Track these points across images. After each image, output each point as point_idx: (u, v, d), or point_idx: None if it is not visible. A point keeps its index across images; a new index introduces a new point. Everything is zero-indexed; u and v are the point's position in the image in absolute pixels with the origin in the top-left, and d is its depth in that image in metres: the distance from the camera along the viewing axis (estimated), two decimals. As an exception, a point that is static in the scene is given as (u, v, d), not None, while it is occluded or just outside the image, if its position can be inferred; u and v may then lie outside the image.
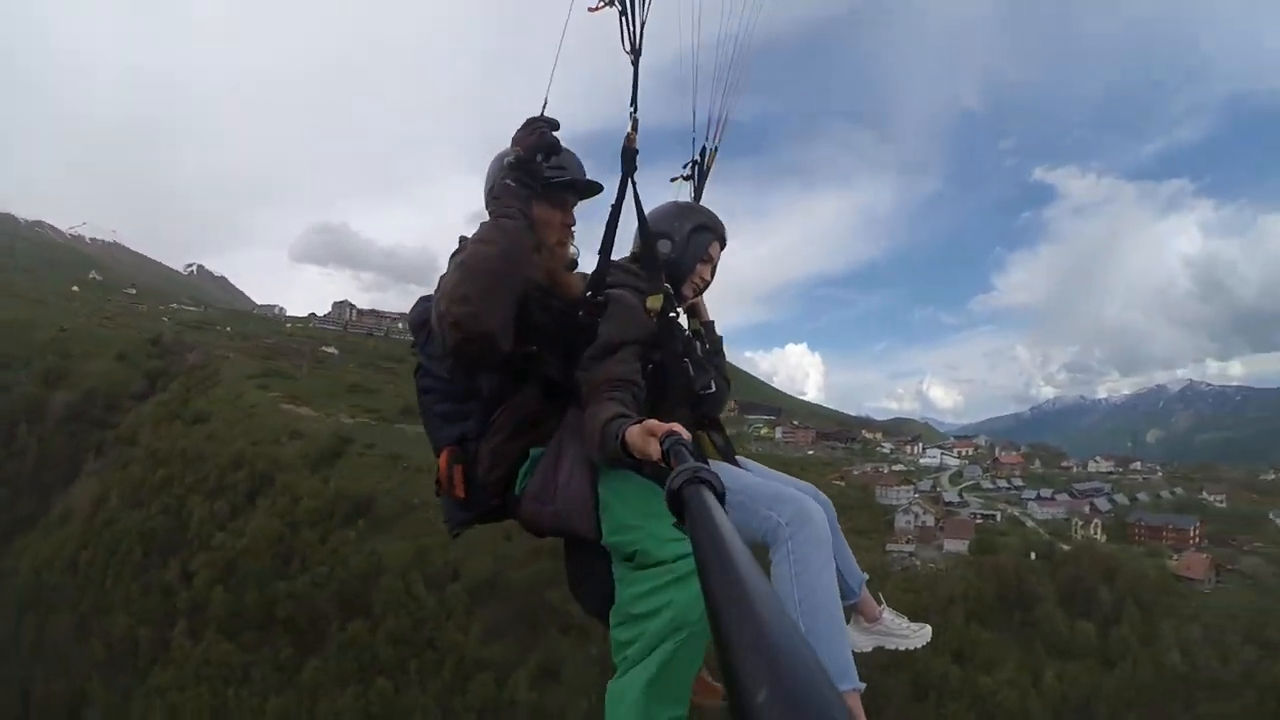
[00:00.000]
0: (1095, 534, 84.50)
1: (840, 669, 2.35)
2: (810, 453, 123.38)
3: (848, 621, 2.92)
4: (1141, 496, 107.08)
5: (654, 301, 2.87)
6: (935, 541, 78.10)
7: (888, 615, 3.23)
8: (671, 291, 3.04)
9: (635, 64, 3.09)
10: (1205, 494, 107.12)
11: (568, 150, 2.85)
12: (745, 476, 2.72)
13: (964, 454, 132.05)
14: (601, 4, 3.15)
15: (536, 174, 2.64)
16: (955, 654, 57.78)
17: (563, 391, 2.71)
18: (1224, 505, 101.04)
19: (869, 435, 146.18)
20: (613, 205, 2.96)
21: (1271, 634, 60.00)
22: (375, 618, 53.14)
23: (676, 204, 3.35)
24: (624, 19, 3.09)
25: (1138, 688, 56.98)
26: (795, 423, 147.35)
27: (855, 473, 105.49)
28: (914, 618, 3.29)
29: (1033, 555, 71.41)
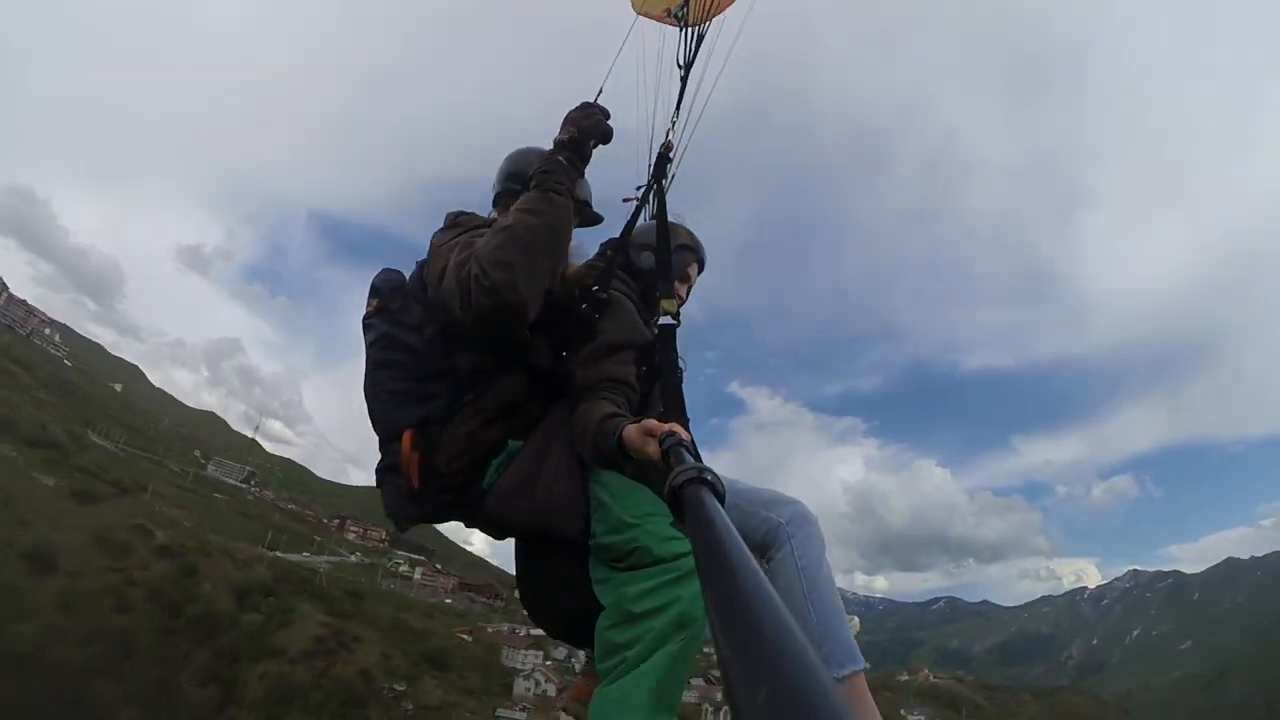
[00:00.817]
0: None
1: (848, 652, 2.45)
2: (448, 600, 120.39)
3: None
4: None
5: (669, 305, 2.89)
6: (553, 711, 76.06)
7: None
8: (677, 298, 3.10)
9: (684, 78, 3.34)
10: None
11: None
12: (741, 483, 2.72)
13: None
14: (663, 15, 3.39)
15: (586, 157, 2.59)
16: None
17: (546, 383, 2.65)
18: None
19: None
20: (637, 202, 3.08)
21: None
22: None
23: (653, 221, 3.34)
24: (683, 34, 3.39)
25: None
26: (439, 567, 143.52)
27: (489, 630, 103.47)
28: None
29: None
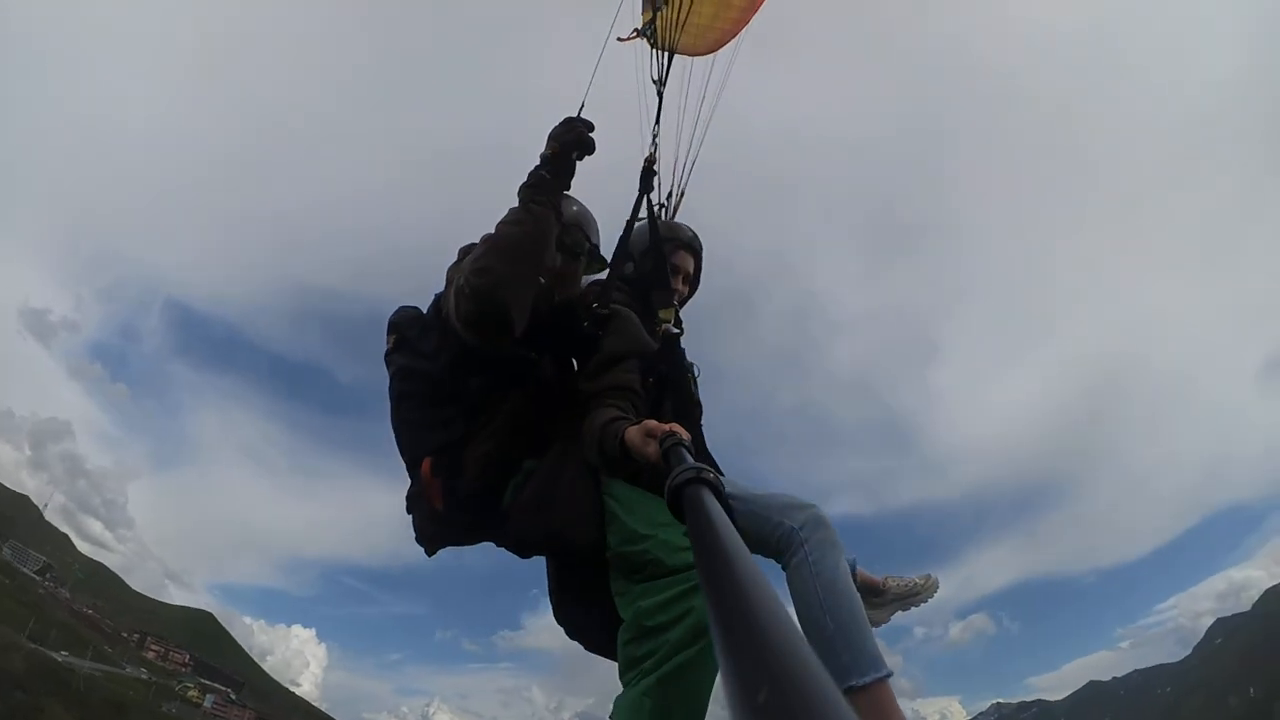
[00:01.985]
0: None
1: (870, 659, 2.27)
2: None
3: None
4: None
5: (666, 313, 2.98)
6: None
7: (891, 582, 3.28)
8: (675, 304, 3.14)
9: (660, 93, 3.44)
10: None
11: (588, 212, 3.07)
12: (754, 488, 2.68)
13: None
14: (633, 35, 3.48)
15: (570, 170, 2.71)
16: None
17: (557, 402, 2.72)
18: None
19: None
20: (627, 221, 3.19)
21: None
22: None
23: (642, 225, 3.37)
24: (655, 52, 3.47)
25: None
26: (233, 697, 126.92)
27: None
28: None
29: None
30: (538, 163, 2.70)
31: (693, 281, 3.39)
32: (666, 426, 2.02)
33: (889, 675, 2.29)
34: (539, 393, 2.73)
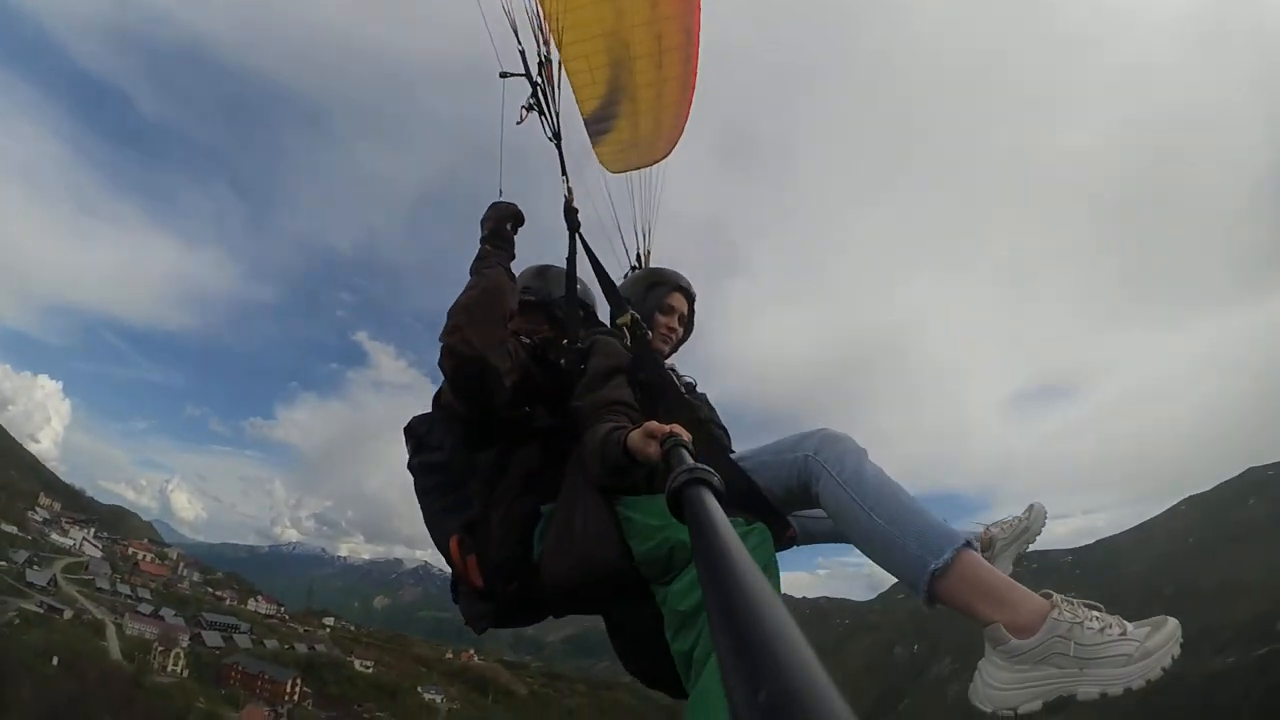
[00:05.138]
0: (174, 664, 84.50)
1: (938, 536, 2.03)
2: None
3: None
4: (272, 644, 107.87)
5: (624, 318, 3.07)
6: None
7: (994, 530, 2.78)
8: (639, 316, 3.17)
9: (559, 146, 3.67)
10: (355, 660, 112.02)
11: (590, 291, 3.34)
12: (765, 446, 2.64)
13: (132, 553, 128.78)
14: (524, 115, 3.72)
15: (507, 238, 2.94)
16: None
17: (559, 444, 2.74)
18: (370, 671, 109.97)
19: (44, 502, 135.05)
20: (567, 259, 3.36)
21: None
22: None
23: (635, 274, 3.58)
24: (543, 118, 3.67)
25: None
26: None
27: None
28: None
29: (55, 660, 65.96)
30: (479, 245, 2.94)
31: (687, 323, 3.51)
32: (668, 428, 2.04)
33: (965, 544, 2.02)
34: (542, 441, 2.82)
